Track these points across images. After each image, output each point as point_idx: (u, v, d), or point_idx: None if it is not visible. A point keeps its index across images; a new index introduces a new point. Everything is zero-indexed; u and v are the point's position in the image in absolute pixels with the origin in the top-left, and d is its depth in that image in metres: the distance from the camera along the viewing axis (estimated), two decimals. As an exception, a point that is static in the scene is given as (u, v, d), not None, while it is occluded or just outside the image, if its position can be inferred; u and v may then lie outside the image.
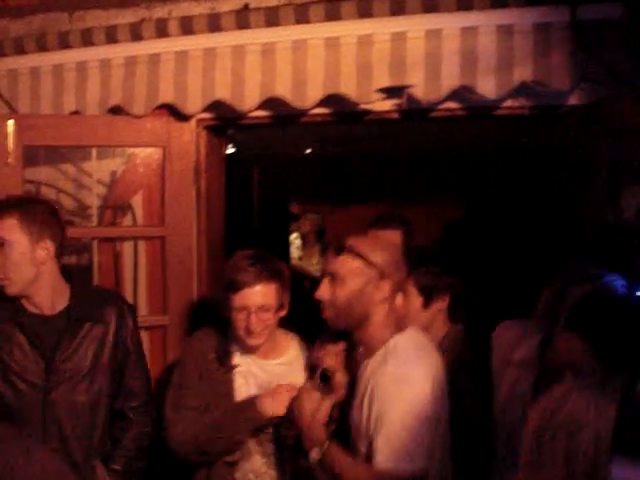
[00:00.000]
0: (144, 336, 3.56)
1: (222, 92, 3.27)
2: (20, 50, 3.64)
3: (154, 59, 3.38)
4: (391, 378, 2.22)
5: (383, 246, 2.40)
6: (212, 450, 2.60)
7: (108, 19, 3.59)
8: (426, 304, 2.83)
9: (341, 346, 2.47)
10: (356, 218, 4.55)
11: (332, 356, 2.47)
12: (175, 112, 3.38)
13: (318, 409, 2.29)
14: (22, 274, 2.46)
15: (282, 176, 6.64)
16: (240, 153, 5.05)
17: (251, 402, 2.58)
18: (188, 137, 3.44)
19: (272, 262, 2.63)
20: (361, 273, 2.30)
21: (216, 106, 3.33)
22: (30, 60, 3.63)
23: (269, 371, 2.71)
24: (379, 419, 2.19)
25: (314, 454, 2.26)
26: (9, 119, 3.35)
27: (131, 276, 3.60)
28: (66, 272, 2.65)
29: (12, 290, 2.48)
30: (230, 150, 4.76)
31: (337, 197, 7.13)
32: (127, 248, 3.61)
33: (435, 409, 2.23)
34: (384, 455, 2.17)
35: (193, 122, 3.44)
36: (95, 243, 3.58)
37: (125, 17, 3.57)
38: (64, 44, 3.55)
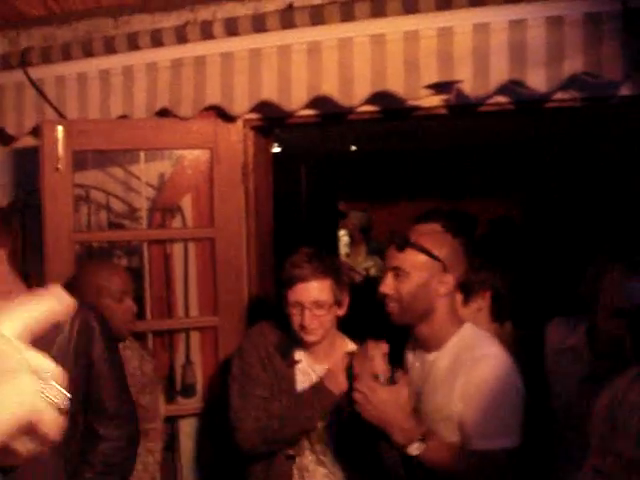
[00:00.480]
0: (195, 337, 3.66)
1: (269, 92, 3.31)
2: (67, 56, 3.72)
3: (200, 61, 3.44)
4: (481, 360, 2.28)
5: (445, 240, 2.43)
6: (282, 439, 2.66)
7: (153, 23, 3.66)
8: (465, 300, 2.83)
9: (384, 348, 2.48)
10: (404, 215, 4.56)
11: (380, 358, 2.48)
12: (222, 113, 3.43)
13: (400, 400, 2.27)
14: None
15: (329, 173, 6.67)
16: (286, 152, 5.10)
17: (319, 386, 2.64)
18: (235, 138, 3.49)
19: (329, 259, 2.69)
20: (425, 267, 2.34)
21: (263, 106, 3.38)
22: (77, 66, 3.71)
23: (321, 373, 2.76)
24: (472, 401, 2.23)
25: (414, 449, 2.23)
26: (58, 125, 3.43)
27: (181, 278, 3.66)
28: (28, 279, 2.56)
29: None
30: (276, 149, 4.81)
31: (385, 194, 7.14)
32: (177, 250, 3.67)
33: (522, 384, 2.28)
34: (482, 435, 2.21)
35: (240, 123, 3.49)
36: (145, 245, 3.64)
37: (170, 20, 3.64)
38: (110, 49, 3.62)
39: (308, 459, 2.72)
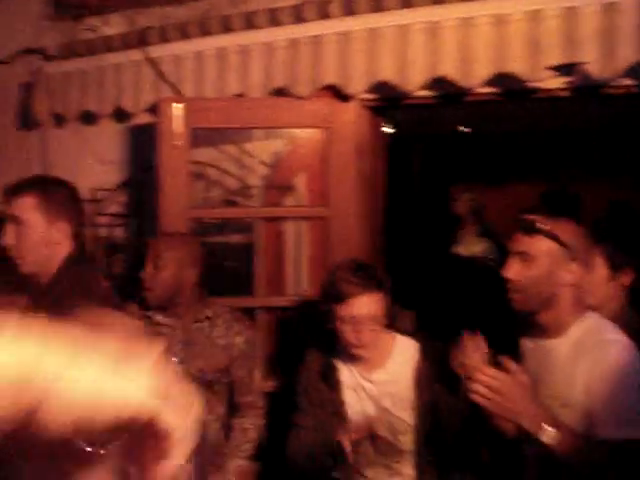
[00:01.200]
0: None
1: (386, 72, 3.35)
2: (184, 35, 3.86)
3: (317, 40, 3.50)
4: (608, 346, 2.23)
5: (574, 228, 2.39)
6: (309, 472, 2.74)
7: (270, 2, 3.73)
8: (611, 276, 2.80)
9: (481, 342, 2.46)
10: (515, 197, 4.54)
11: (477, 355, 2.45)
12: (338, 93, 3.50)
13: (524, 387, 2.21)
14: (37, 255, 2.46)
15: (441, 154, 6.65)
16: (398, 132, 5.13)
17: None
18: (350, 118, 3.54)
19: (375, 271, 2.69)
20: (552, 254, 2.30)
21: (379, 86, 3.43)
22: (194, 45, 3.84)
23: (376, 381, 2.75)
24: (600, 388, 2.19)
25: (547, 437, 2.14)
26: (176, 103, 3.55)
27: (293, 256, 3.76)
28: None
29: (25, 269, 2.48)
30: (389, 130, 4.84)
31: (496, 176, 7.07)
32: (289, 228, 3.77)
33: None
34: (611, 424, 2.17)
35: (355, 103, 3.54)
36: (258, 223, 3.74)
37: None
38: (227, 28, 3.73)
39: (380, 474, 2.73)
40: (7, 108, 4.63)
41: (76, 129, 4.37)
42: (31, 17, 4.52)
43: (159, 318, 3.08)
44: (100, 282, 2.55)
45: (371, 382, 2.74)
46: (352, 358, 2.73)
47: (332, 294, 2.63)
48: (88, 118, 4.30)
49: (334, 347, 2.77)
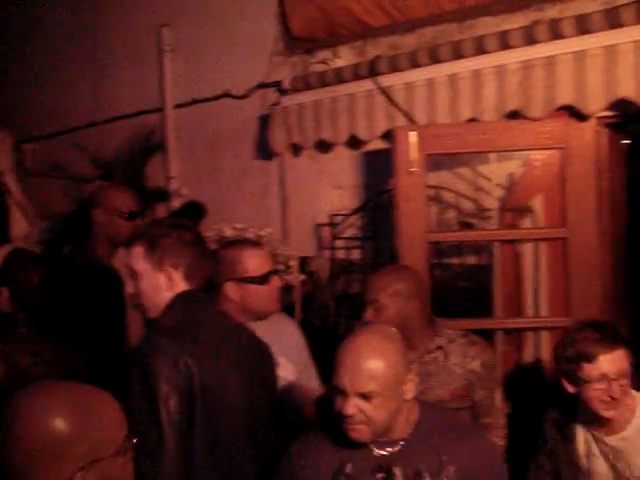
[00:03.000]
0: (545, 337, 3.78)
1: (626, 89, 3.33)
2: (414, 63, 4.01)
3: (550, 61, 3.53)
4: None
5: None
6: None
7: (499, 25, 3.81)
8: None
9: None
10: None
11: None
12: (574, 113, 3.50)
13: None
14: (152, 301, 2.54)
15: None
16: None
17: None
18: (588, 137, 3.54)
19: (613, 327, 2.70)
20: None
21: (616, 103, 3.40)
22: (424, 72, 3.98)
23: (615, 448, 2.69)
24: None
25: None
26: (411, 130, 3.71)
27: (531, 277, 3.80)
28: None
29: (149, 315, 2.57)
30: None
31: None
32: (527, 249, 3.81)
33: None
34: None
35: (593, 121, 3.53)
36: (495, 245, 3.82)
37: (516, 21, 3.77)
38: (457, 54, 3.83)
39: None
40: (247, 139, 5.03)
41: (312, 157, 4.65)
42: (265, 53, 4.89)
43: None
44: (209, 317, 2.59)
45: (607, 446, 2.70)
46: (592, 422, 2.71)
47: (579, 355, 2.61)
48: (323, 146, 4.56)
49: (573, 412, 2.77)
